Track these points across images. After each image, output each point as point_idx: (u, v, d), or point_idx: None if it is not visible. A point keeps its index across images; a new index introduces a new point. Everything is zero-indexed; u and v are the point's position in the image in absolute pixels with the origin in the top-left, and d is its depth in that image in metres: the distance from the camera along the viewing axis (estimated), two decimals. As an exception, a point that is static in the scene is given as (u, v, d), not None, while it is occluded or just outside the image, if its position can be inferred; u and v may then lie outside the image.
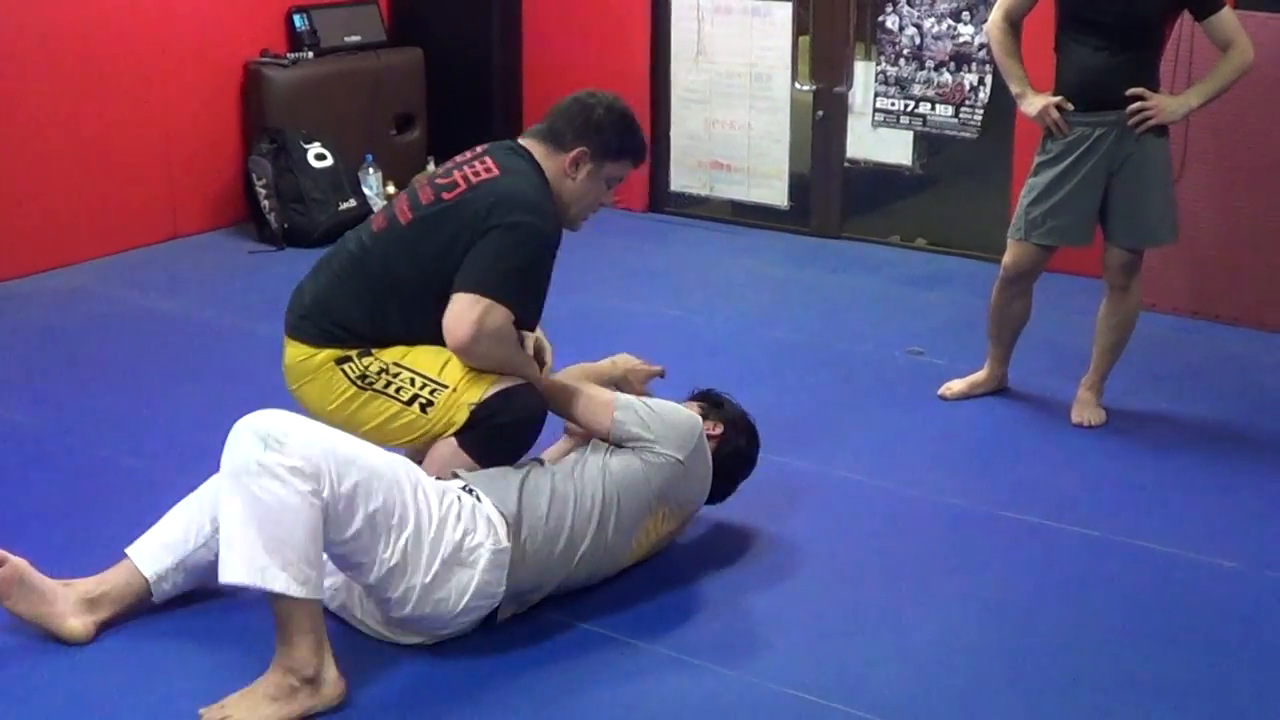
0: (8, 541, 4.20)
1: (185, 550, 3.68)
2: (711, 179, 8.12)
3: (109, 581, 3.68)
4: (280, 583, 3.23)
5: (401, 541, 3.43)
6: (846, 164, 7.74)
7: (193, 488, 3.76)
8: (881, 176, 7.69)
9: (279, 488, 3.25)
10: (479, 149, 4.16)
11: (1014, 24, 5.13)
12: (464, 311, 3.84)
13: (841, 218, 7.83)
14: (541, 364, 4.28)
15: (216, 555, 3.62)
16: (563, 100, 4.19)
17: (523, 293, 3.94)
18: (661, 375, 4.39)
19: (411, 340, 4.00)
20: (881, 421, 5.25)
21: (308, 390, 4.08)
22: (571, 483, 3.78)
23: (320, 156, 7.65)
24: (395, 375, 3.95)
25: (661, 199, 8.29)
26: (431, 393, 3.92)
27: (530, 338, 4.25)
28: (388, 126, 8.35)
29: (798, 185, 7.90)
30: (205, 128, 7.71)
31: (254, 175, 7.53)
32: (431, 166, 8.31)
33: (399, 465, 3.54)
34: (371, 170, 8.03)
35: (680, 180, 8.23)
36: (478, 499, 3.63)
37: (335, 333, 4.01)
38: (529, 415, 3.97)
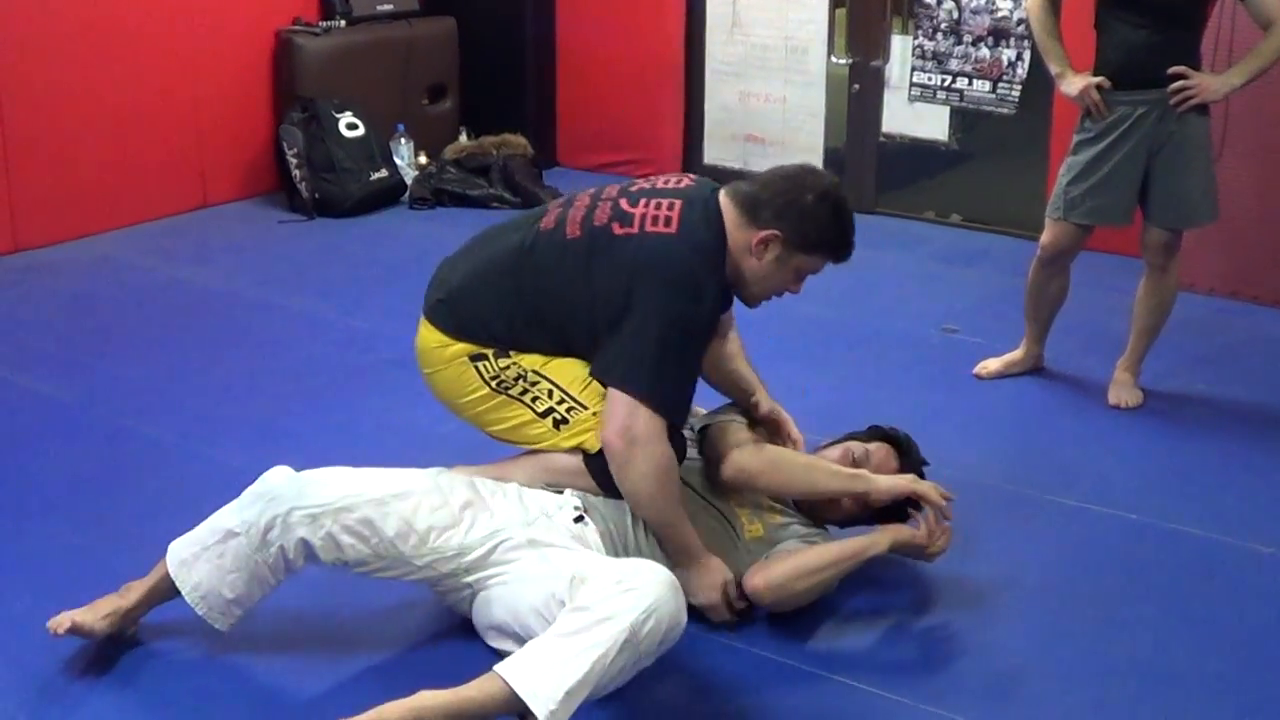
0: (34, 513, 4.21)
1: (253, 600, 3.50)
2: (745, 152, 8.06)
3: (161, 602, 3.56)
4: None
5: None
6: (882, 139, 7.69)
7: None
8: (917, 152, 7.62)
9: (622, 660, 3.07)
10: (676, 186, 3.76)
11: (1054, 2, 5.06)
12: (617, 414, 3.56)
13: (876, 193, 7.77)
14: (789, 439, 4.07)
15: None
16: (780, 169, 3.80)
17: (673, 385, 3.63)
18: None
19: (547, 354, 3.77)
20: (915, 400, 5.21)
21: (438, 379, 3.85)
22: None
23: (352, 126, 7.62)
24: (534, 384, 3.73)
25: (694, 172, 8.18)
26: (569, 410, 3.70)
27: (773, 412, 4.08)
28: (420, 96, 8.33)
29: (832, 159, 7.83)
30: (236, 96, 7.69)
31: (285, 144, 7.51)
32: (464, 138, 8.29)
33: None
34: (403, 140, 8.01)
35: (714, 153, 8.18)
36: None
37: (473, 329, 3.77)
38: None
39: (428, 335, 3.82)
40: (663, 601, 3.11)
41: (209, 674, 3.46)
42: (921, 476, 3.95)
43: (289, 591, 3.56)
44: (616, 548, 3.57)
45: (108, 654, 3.50)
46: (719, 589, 3.65)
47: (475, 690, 3.04)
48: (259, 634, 3.58)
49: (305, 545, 3.37)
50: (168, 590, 3.49)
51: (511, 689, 3.00)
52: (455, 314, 3.78)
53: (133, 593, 3.52)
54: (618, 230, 3.63)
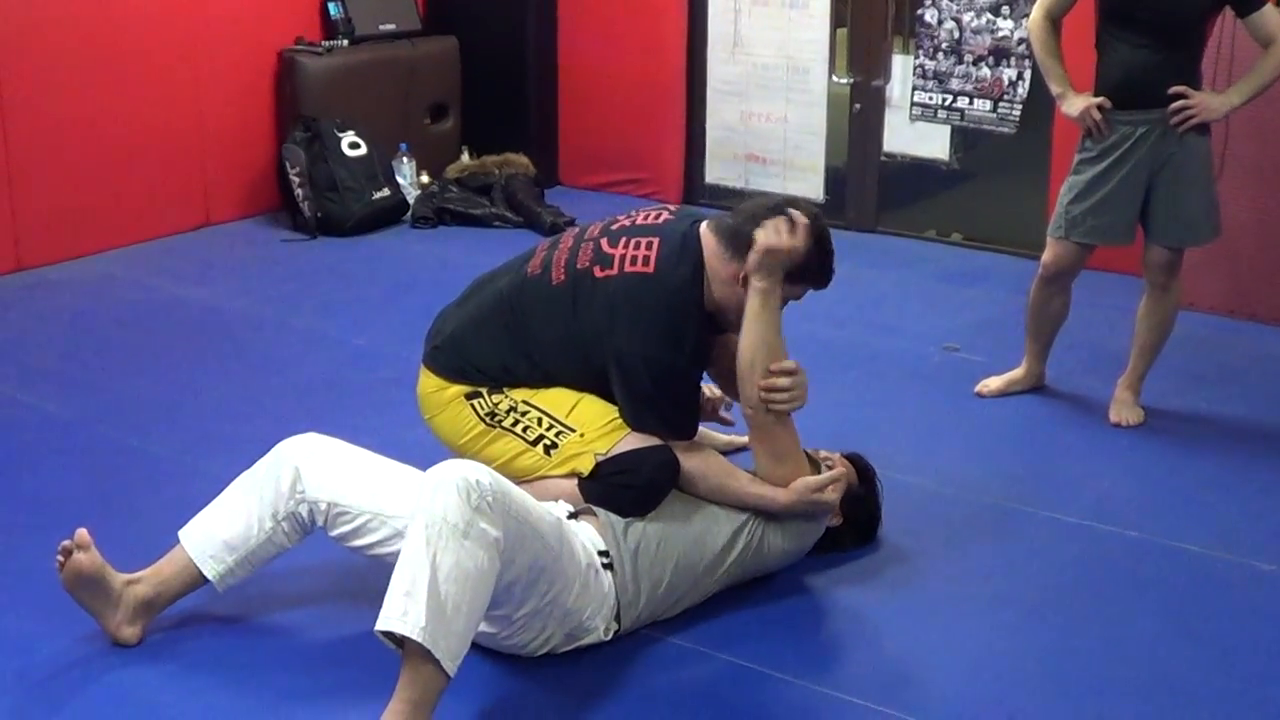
0: (37, 529, 4.21)
1: (248, 548, 3.59)
2: (747, 171, 8.07)
3: (166, 582, 3.61)
4: (440, 654, 3.07)
5: (529, 613, 3.41)
6: (883, 158, 7.70)
7: (223, 478, 3.71)
8: (918, 171, 7.64)
9: (481, 558, 3.13)
10: (654, 221, 3.94)
11: (1055, 23, 5.07)
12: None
13: (878, 212, 7.78)
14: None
15: (279, 548, 3.64)
16: (761, 200, 3.94)
17: (681, 416, 3.87)
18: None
19: (544, 386, 3.90)
20: (917, 418, 5.21)
21: (439, 422, 4.01)
22: (703, 562, 3.77)
23: (354, 145, 7.63)
24: (524, 414, 3.85)
25: (697, 191, 8.25)
26: (557, 435, 3.80)
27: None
28: (422, 115, 8.34)
29: (834, 179, 7.86)
30: (239, 115, 7.70)
31: (287, 163, 7.52)
32: (466, 157, 8.30)
33: (564, 534, 3.48)
34: (405, 159, 8.02)
35: (715, 172, 8.19)
36: (609, 565, 3.58)
37: (469, 371, 3.93)
38: (658, 481, 3.79)
39: (426, 381, 4.02)
40: (441, 482, 3.19)
41: (216, 683, 3.48)
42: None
43: (289, 611, 3.57)
44: (618, 536, 3.64)
45: (112, 670, 3.52)
46: (810, 497, 3.87)
47: (401, 676, 3.10)
48: (265, 643, 3.61)
49: (296, 472, 3.55)
50: (176, 570, 3.61)
51: (382, 635, 3.10)
52: (450, 359, 3.96)
53: (143, 572, 3.64)
54: (599, 273, 3.81)
